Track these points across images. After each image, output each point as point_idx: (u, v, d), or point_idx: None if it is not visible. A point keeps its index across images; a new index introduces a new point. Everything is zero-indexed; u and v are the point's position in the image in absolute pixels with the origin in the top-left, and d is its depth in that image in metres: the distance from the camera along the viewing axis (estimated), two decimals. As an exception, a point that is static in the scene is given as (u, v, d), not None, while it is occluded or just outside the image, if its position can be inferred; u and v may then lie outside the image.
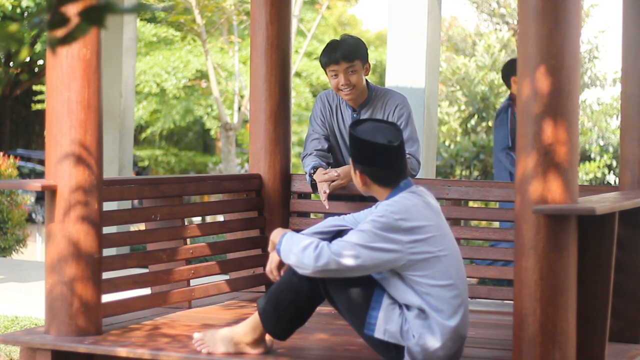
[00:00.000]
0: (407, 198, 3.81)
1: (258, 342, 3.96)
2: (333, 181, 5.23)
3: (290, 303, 3.87)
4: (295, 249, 3.80)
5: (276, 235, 3.95)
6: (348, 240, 3.75)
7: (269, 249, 4.00)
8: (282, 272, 3.96)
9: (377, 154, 3.85)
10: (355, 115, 5.35)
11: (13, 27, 1.72)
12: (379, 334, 3.77)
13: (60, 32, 1.74)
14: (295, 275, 3.85)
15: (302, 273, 3.80)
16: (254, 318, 3.95)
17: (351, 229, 3.99)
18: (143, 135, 26.56)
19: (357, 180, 3.95)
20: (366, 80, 5.33)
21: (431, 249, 3.76)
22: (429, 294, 3.75)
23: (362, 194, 4.06)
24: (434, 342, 3.73)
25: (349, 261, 3.71)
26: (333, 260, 3.72)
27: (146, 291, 4.76)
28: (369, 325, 3.78)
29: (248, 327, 3.96)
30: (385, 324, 3.76)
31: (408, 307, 3.78)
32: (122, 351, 4.01)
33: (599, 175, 14.19)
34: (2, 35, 1.71)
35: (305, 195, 5.63)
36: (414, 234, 3.74)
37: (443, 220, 3.89)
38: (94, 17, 1.73)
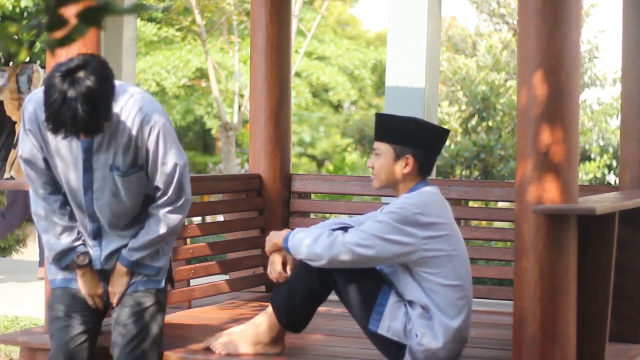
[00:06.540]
0: (427, 193, 3.81)
1: (276, 340, 3.94)
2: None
3: (304, 297, 3.82)
4: (306, 241, 3.75)
5: (274, 236, 3.92)
6: (364, 230, 3.71)
7: (267, 250, 3.94)
8: (288, 270, 3.92)
9: (437, 139, 3.88)
10: None
11: (12, 28, 1.71)
12: (382, 330, 3.76)
13: (58, 34, 1.73)
14: (306, 269, 3.80)
15: (315, 265, 3.75)
16: (270, 317, 3.91)
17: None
18: (143, 135, 26.50)
19: (399, 166, 3.85)
20: None
21: (445, 247, 3.75)
22: (436, 293, 3.74)
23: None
24: (436, 343, 3.73)
25: (362, 251, 3.69)
26: (347, 249, 3.68)
27: (146, 291, 4.75)
28: (373, 321, 3.77)
29: (265, 326, 3.92)
30: (390, 321, 3.75)
31: (412, 304, 3.77)
32: (122, 351, 4.00)
33: (599, 175, 14.17)
34: (1, 36, 1.71)
35: (305, 195, 5.62)
36: (430, 230, 3.73)
37: (454, 221, 3.88)
38: (92, 18, 1.73)
